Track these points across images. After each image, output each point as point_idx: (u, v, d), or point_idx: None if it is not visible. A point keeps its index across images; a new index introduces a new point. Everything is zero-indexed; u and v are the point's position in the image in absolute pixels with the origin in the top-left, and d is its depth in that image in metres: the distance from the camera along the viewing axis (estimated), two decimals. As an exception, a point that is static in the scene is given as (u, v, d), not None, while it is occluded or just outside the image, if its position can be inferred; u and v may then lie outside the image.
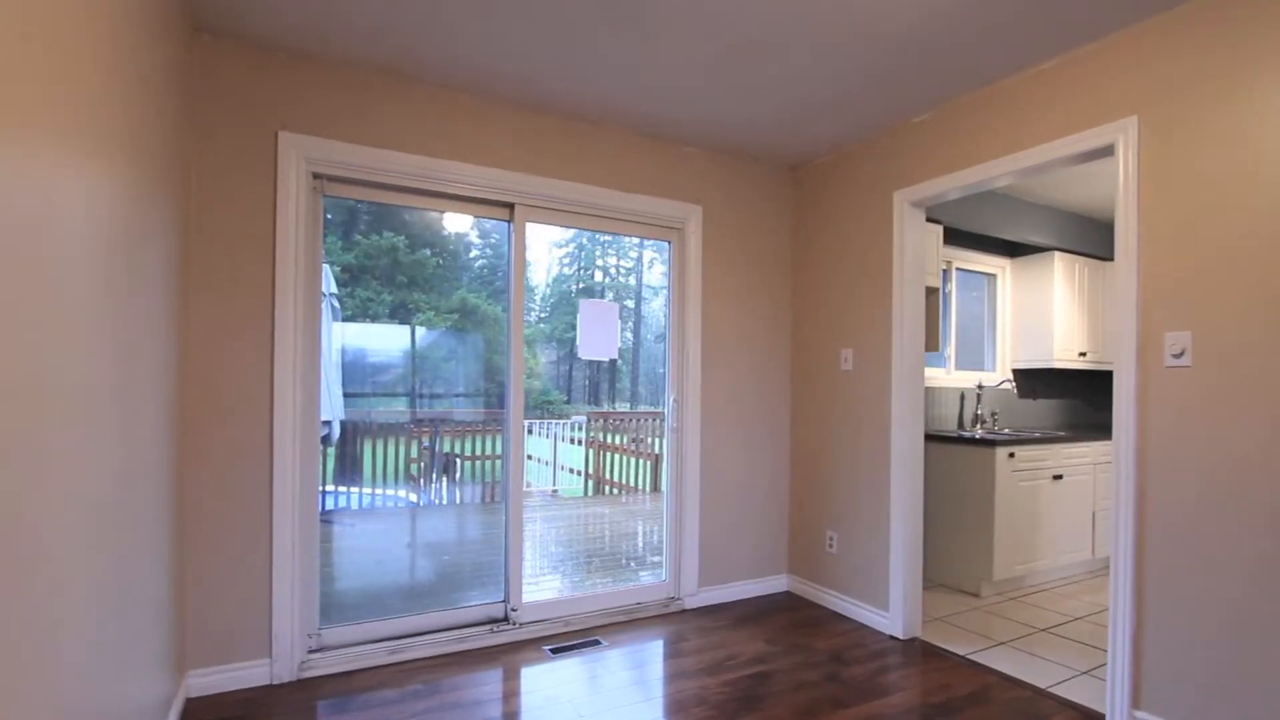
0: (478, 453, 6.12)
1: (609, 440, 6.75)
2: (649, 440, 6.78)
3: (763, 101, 2.99)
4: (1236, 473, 2.11)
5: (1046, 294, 4.75)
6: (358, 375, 6.54)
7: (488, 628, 2.92)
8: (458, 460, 5.95)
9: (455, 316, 8.74)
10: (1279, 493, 2.01)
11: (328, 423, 4.68)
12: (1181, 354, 2.25)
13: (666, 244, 3.51)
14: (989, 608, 3.61)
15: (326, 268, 3.87)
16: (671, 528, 3.46)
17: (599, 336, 3.20)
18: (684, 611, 3.39)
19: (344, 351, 6.02)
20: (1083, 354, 4.90)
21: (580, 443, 6.86)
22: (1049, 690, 2.64)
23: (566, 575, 4.13)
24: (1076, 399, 5.36)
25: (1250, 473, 2.08)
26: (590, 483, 6.71)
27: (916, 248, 3.25)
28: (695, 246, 3.47)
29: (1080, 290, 4.90)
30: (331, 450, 5.46)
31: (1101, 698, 2.57)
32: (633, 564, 4.63)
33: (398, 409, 6.84)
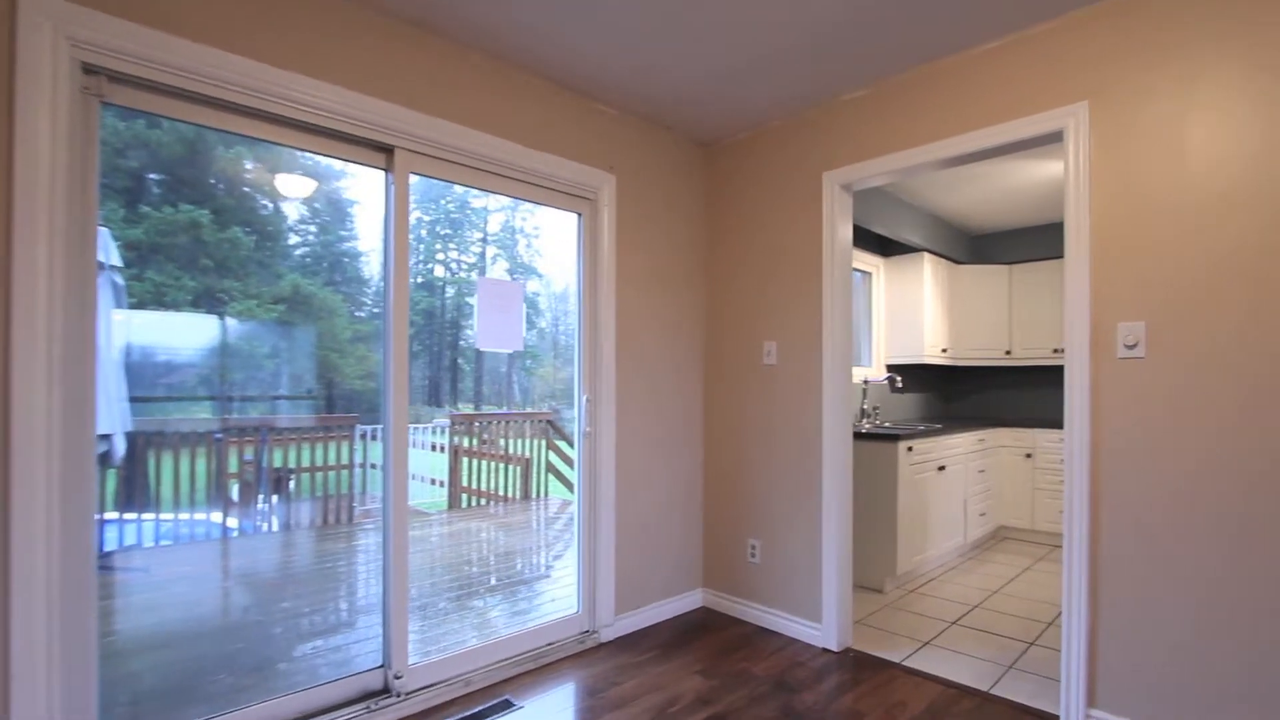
0: (316, 464, 5.05)
1: (470, 445, 5.95)
2: (503, 442, 6.07)
3: (674, 65, 2.54)
4: (1192, 466, 2.02)
5: (917, 293, 4.83)
6: (149, 376, 5.14)
7: (363, 706, 2.14)
8: (290, 476, 4.84)
9: (282, 307, 7.31)
10: (1235, 486, 1.94)
11: (107, 436, 3.49)
12: (1135, 345, 2.14)
13: (576, 215, 2.93)
14: (897, 604, 3.47)
15: (105, 231, 2.79)
16: (584, 551, 2.90)
17: (500, 324, 2.55)
18: (602, 646, 2.84)
19: (129, 348, 4.68)
20: (944, 350, 5.06)
21: (441, 449, 5.97)
22: (993, 694, 2.47)
23: (454, 615, 3.37)
24: (933, 392, 5.58)
25: (1206, 467, 2.00)
26: (461, 495, 5.86)
27: (847, 233, 2.99)
28: (609, 221, 2.94)
29: (944, 291, 5.07)
30: (113, 471, 4.16)
31: (1042, 694, 2.45)
32: (526, 589, 3.96)
33: (204, 416, 5.50)
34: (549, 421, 6.31)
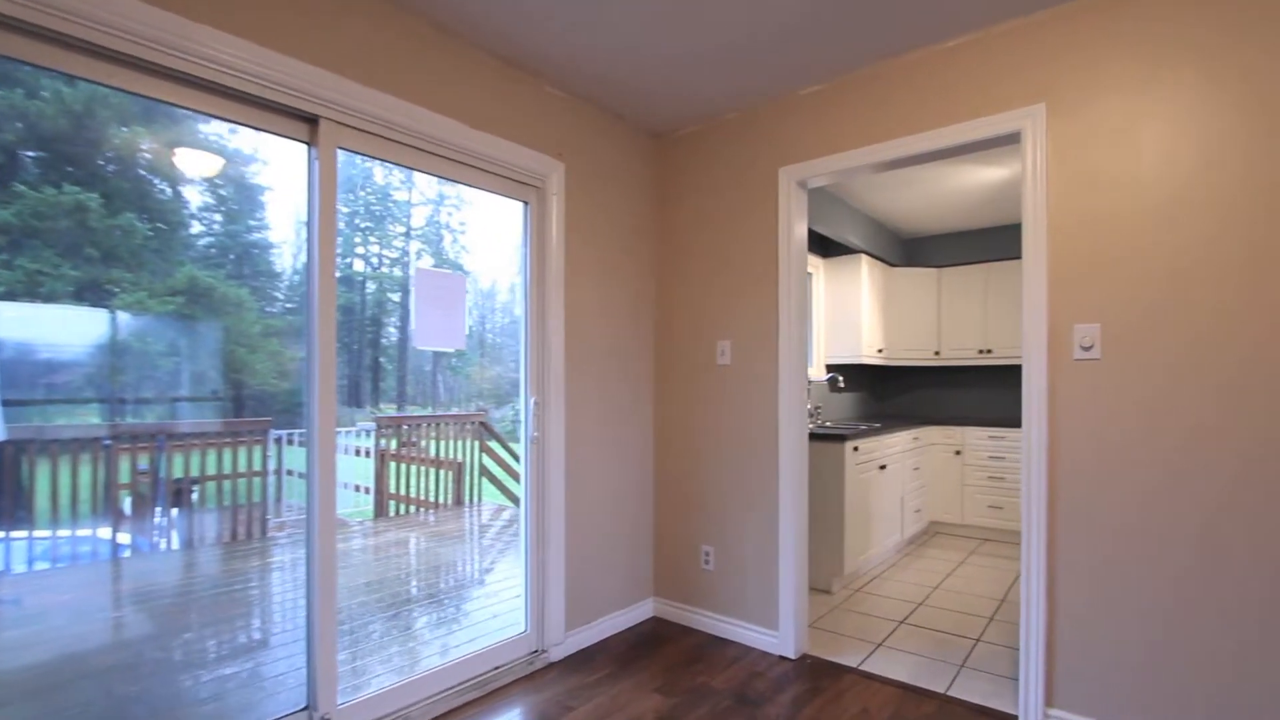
0: (224, 472, 4.56)
1: (398, 449, 5.55)
2: (433, 445, 5.73)
3: (628, 50, 2.38)
4: (1149, 466, 2.04)
5: (855, 294, 4.86)
6: (26, 376, 4.51)
7: (285, 756, 1.86)
8: (193, 486, 4.34)
9: (181, 300, 6.61)
10: (1192, 486, 1.97)
11: (-32, 445, 3.00)
12: (1091, 347, 2.15)
13: (522, 204, 2.70)
14: (846, 605, 3.44)
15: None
16: (532, 565, 2.67)
17: (441, 320, 2.29)
18: (553, 666, 2.62)
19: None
20: (880, 351, 5.13)
21: (366, 453, 5.54)
22: (951, 695, 2.44)
23: (387, 639, 3.06)
24: (866, 391, 5.66)
25: (1162, 467, 2.02)
26: (389, 503, 5.45)
27: (802, 231, 2.90)
28: (558, 211, 2.73)
29: (879, 293, 5.13)
30: (-24, 485, 3.60)
31: (997, 693, 2.44)
32: (467, 605, 3.67)
33: (91, 420, 4.88)
34: (482, 423, 6.00)
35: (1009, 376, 5.30)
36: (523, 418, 2.67)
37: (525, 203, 2.69)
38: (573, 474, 2.78)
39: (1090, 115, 2.15)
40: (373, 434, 5.38)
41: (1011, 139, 2.35)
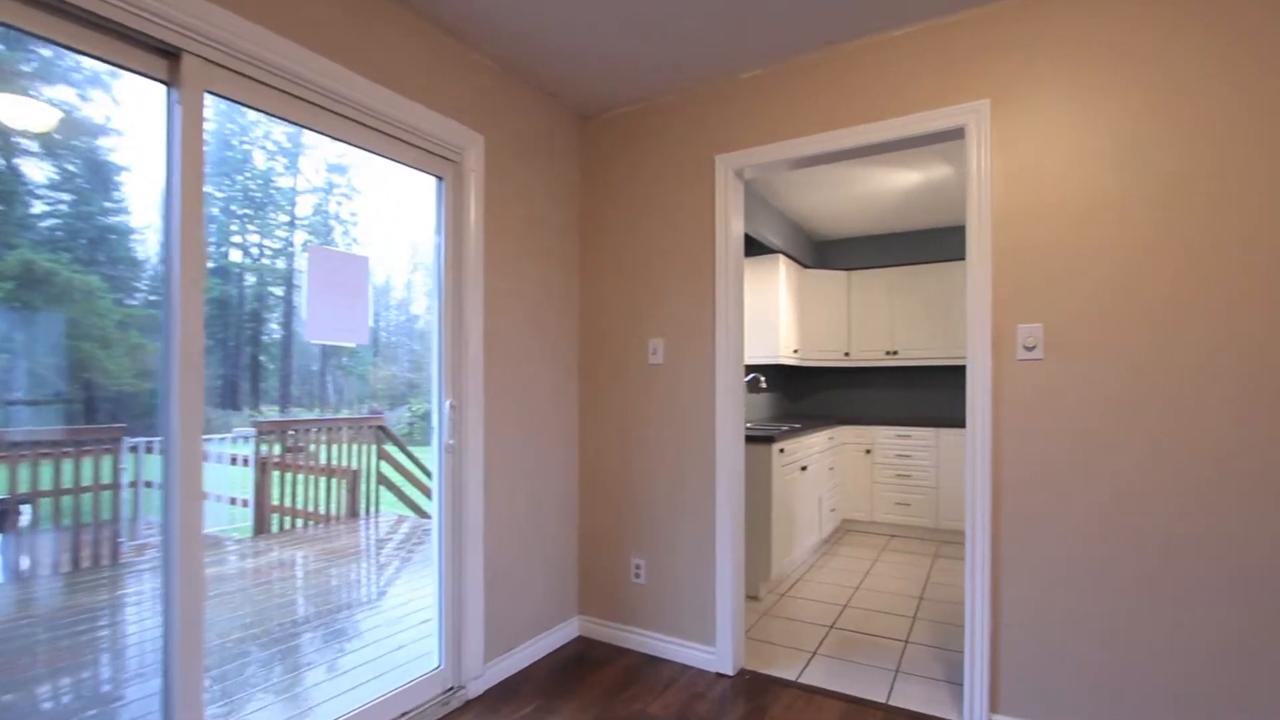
0: (65, 486, 3.81)
1: (282, 456, 4.91)
2: (324, 451, 5.14)
3: (559, 18, 2.11)
4: (1091, 466, 2.02)
5: (774, 294, 4.80)
6: None
7: None
8: (23, 506, 3.57)
9: (11, 286, 5.57)
10: (1133, 486, 1.96)
11: None
12: (1034, 347, 2.11)
13: (435, 179, 2.35)
14: (774, 611, 3.31)
15: None
16: (447, 589, 2.32)
17: (339, 309, 1.90)
18: (472, 704, 2.28)
19: None
20: (795, 351, 5.11)
21: (245, 461, 4.85)
22: (894, 705, 2.34)
23: (270, 684, 2.56)
24: (779, 391, 5.65)
25: (1104, 467, 2.00)
26: (272, 516, 4.78)
27: (739, 222, 2.73)
28: (476, 190, 2.39)
29: (795, 294, 5.12)
30: None
31: (935, 699, 2.36)
32: (364, 635, 3.21)
33: (-117, 429, 3.98)
34: (380, 427, 5.45)
35: (915, 377, 5.46)
36: (435, 423, 2.31)
37: (439, 178, 2.34)
38: (493, 485, 2.45)
39: (1034, 113, 2.11)
40: (252, 440, 4.72)
41: (955, 134, 2.28)
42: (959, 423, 4.83)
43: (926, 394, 5.41)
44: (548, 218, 2.79)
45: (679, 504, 2.72)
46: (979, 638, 2.14)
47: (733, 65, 2.56)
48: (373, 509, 5.40)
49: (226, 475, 5.01)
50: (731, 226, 2.66)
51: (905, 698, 2.39)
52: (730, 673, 2.55)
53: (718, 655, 2.58)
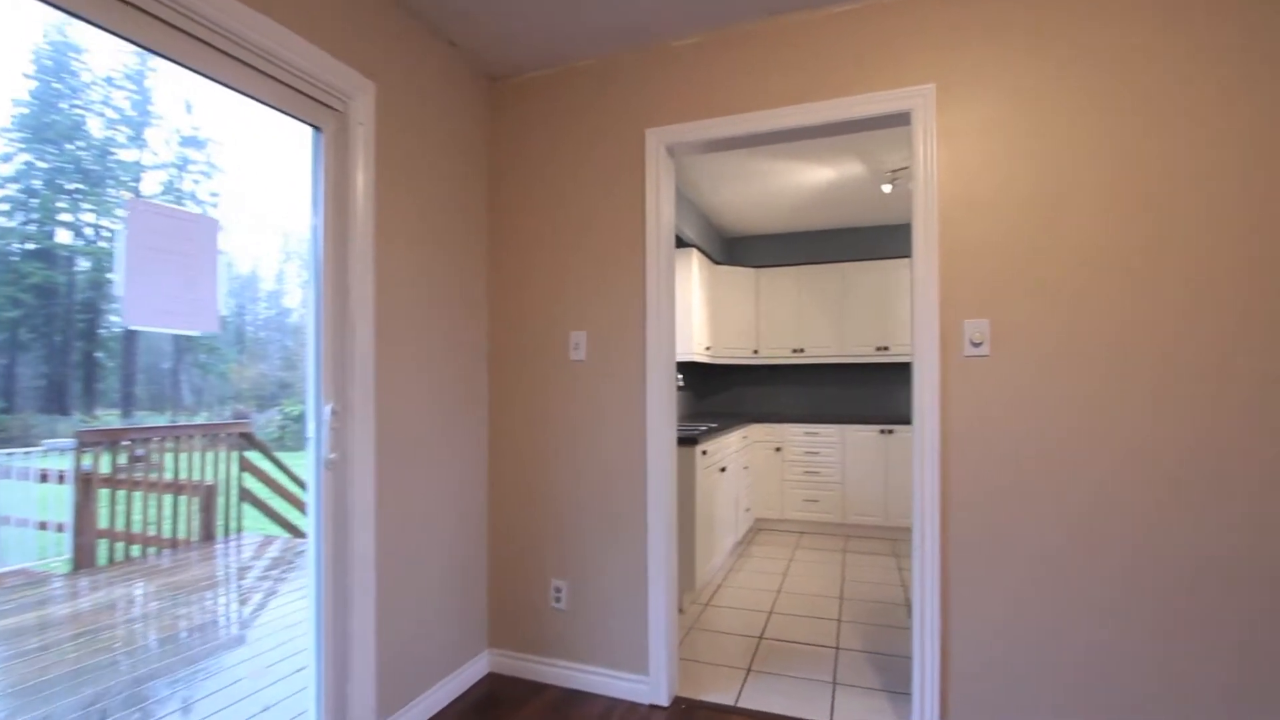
0: None
1: (115, 469, 4.02)
2: (171, 462, 4.33)
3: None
4: (1038, 463, 1.93)
5: (688, 290, 4.59)
6: None
7: None
8: None
9: None
10: (1078, 489, 1.88)
11: None
12: (981, 343, 1.99)
13: (312, 130, 1.87)
14: (701, 624, 3.07)
15: None
16: (327, 637, 1.84)
17: (172, 284, 1.39)
18: (358, 784, 1.83)
19: None
20: (707, 348, 4.94)
21: (62, 478, 3.92)
22: (839, 725, 2.17)
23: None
24: (688, 390, 5.47)
25: (1051, 464, 1.91)
26: (99, 544, 3.88)
27: (671, 204, 2.45)
28: (366, 147, 1.94)
29: (706, 289, 4.94)
30: None
31: (880, 710, 2.20)
32: (217, 695, 2.59)
33: None
34: (244, 434, 4.68)
35: (821, 375, 5.47)
36: (312, 432, 1.84)
37: (316, 128, 1.86)
38: (386, 506, 2.00)
39: (981, 100, 1.99)
40: (71, 452, 3.82)
41: (901, 119, 2.12)
42: (864, 420, 4.86)
43: (832, 391, 5.44)
44: (453, 192, 2.37)
45: (605, 518, 2.39)
46: (928, 645, 1.99)
47: (665, 29, 2.28)
48: (233, 529, 4.61)
49: (36, 495, 4.05)
50: (663, 209, 2.38)
51: (847, 713, 2.22)
52: (665, 703, 2.27)
53: (651, 685, 2.29)
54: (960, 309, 2.00)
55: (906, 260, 4.97)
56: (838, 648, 2.79)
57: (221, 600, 3.64)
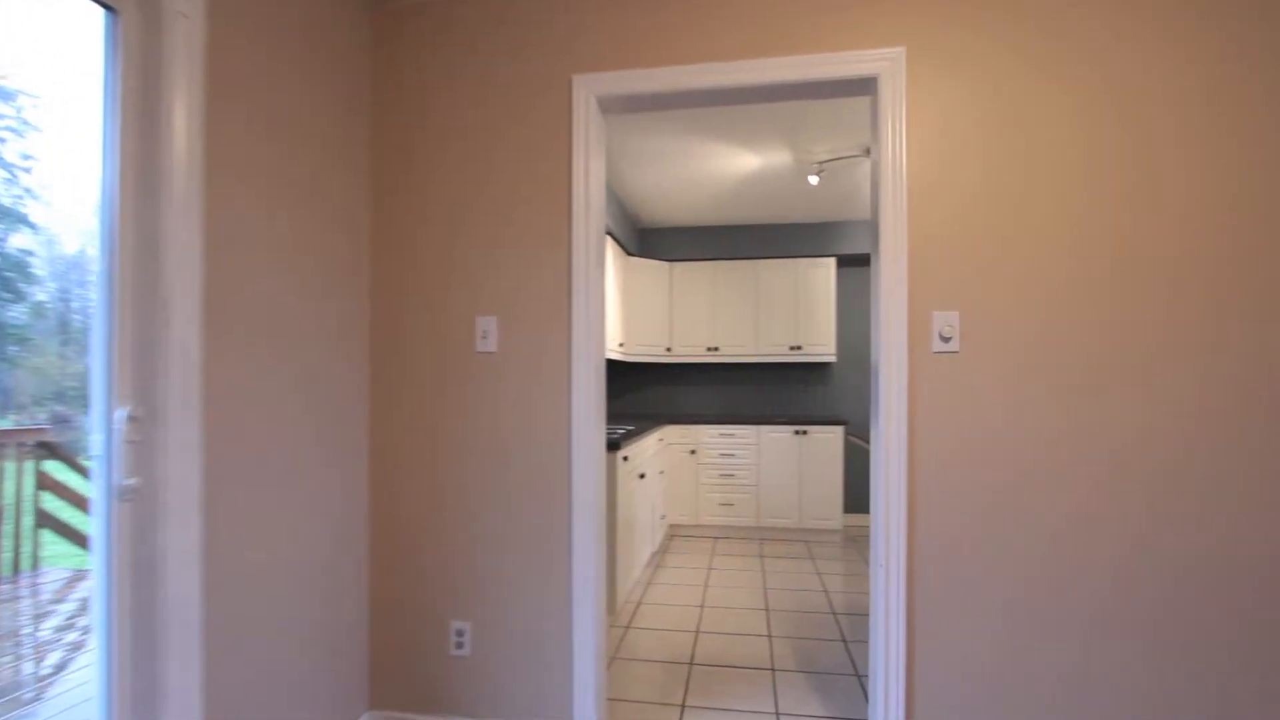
0: None
1: None
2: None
3: None
4: (1010, 469, 1.73)
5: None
6: None
7: None
8: None
9: None
10: (1052, 498, 1.70)
11: None
12: (950, 338, 1.76)
13: (104, 13, 1.29)
14: (625, 651, 2.69)
15: None
16: (115, 738, 1.28)
17: None
18: None
19: None
20: (620, 345, 4.58)
21: None
22: (792, 770, 1.87)
23: None
24: (599, 389, 5.07)
25: (1024, 468, 1.72)
26: None
27: (602, 168, 2.05)
28: (189, 47, 1.38)
29: (620, 283, 4.58)
30: None
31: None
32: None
33: None
34: (44, 444, 3.71)
35: (736, 375, 5.26)
36: (98, 448, 1.26)
37: (111, 9, 1.29)
38: (219, 544, 1.45)
39: (955, 68, 1.77)
40: None
41: (864, 86, 1.86)
42: (778, 420, 4.70)
43: (747, 391, 5.25)
44: (326, 135, 1.83)
45: (521, 542, 1.95)
46: (894, 670, 1.74)
47: (596, -42, 1.88)
48: (30, 564, 3.64)
49: None
50: (593, 172, 1.98)
51: (803, 757, 1.93)
52: (592, 765, 1.87)
53: (575, 743, 1.88)
54: (927, 299, 1.77)
55: (821, 260, 4.88)
56: (773, 669, 2.51)
57: (6, 659, 2.79)
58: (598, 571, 1.94)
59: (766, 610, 3.19)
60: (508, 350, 1.98)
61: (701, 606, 3.24)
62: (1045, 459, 1.69)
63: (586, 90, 1.95)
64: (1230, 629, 1.61)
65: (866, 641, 2.77)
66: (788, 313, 4.89)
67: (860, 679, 2.43)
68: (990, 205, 1.74)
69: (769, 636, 2.85)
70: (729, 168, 3.74)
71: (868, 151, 3.32)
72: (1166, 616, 1.63)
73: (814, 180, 3.54)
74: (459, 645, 1.96)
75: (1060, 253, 1.70)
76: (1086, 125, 1.69)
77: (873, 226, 1.86)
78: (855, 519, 5.02)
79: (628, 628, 2.96)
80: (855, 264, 5.16)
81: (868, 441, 3.20)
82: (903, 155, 1.77)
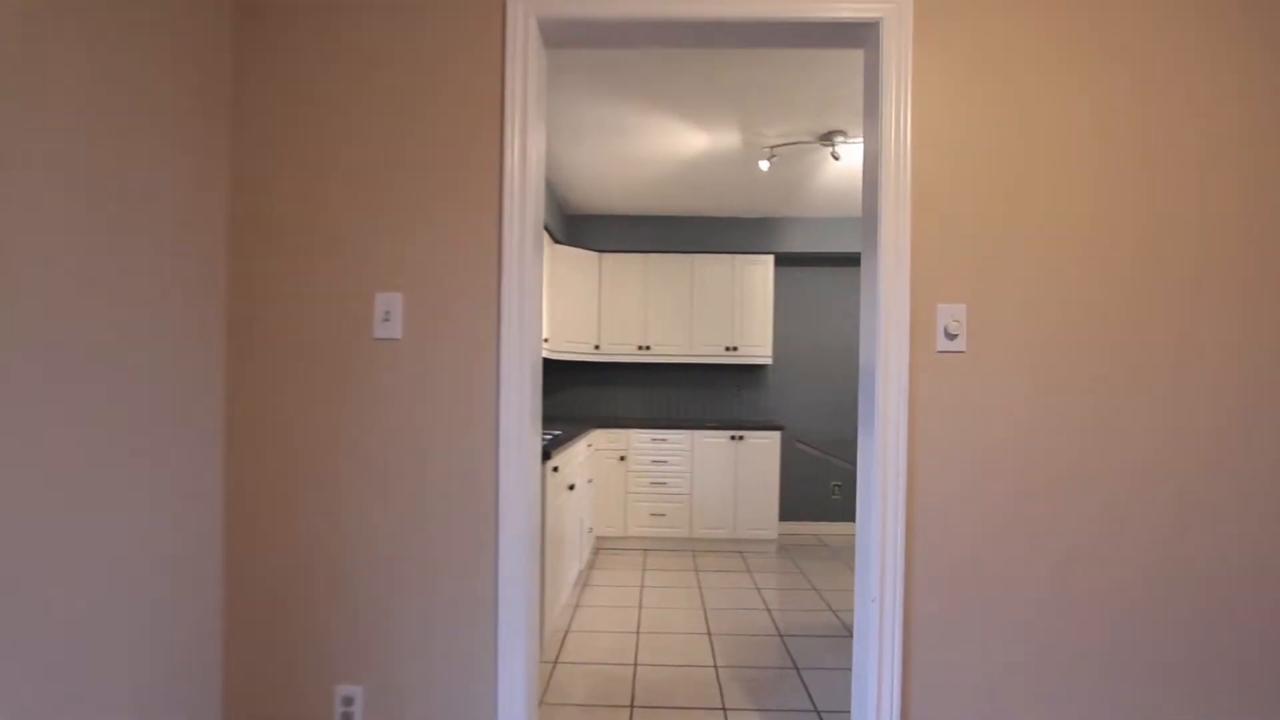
0: None
1: None
2: None
3: None
4: (1026, 493, 1.51)
5: (526, 267, 3.78)
6: None
7: None
8: None
9: None
10: (1068, 523, 1.49)
11: None
12: (956, 336, 1.52)
13: None
14: (555, 695, 2.29)
15: None
16: None
17: None
18: None
19: None
20: (545, 340, 4.16)
21: None
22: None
23: None
24: (520, 389, 4.63)
25: (1042, 494, 1.50)
26: None
27: (542, 111, 1.67)
28: None
29: (548, 272, 4.16)
30: None
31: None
32: None
33: None
34: None
35: (668, 375, 4.97)
36: None
37: None
38: (-38, 615, 0.95)
39: (970, 18, 1.53)
40: None
41: (862, 35, 1.59)
42: (713, 425, 4.45)
43: (680, 393, 4.97)
44: (163, 35, 1.34)
45: (432, 580, 1.53)
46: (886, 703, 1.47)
47: None
48: None
49: None
50: (530, 115, 1.59)
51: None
52: None
53: (499, 839, 1.48)
54: (931, 291, 1.51)
55: (759, 257, 4.68)
56: (724, 708, 2.21)
57: None
58: (529, 611, 1.55)
59: (709, 635, 2.89)
60: (417, 337, 1.55)
61: (637, 633, 2.90)
62: (1063, 469, 1.48)
63: (523, 11, 1.56)
64: (1270, 667, 1.45)
65: (820, 669, 2.53)
66: (724, 311, 4.66)
67: (820, 715, 2.17)
68: (1004, 183, 1.51)
69: (715, 667, 2.55)
70: (674, 147, 3.43)
71: (822, 139, 3.12)
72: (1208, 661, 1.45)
73: (764, 166, 3.30)
74: (347, 718, 1.51)
75: (1076, 243, 1.49)
76: (1108, 95, 1.49)
77: (867, 207, 1.59)
78: (789, 527, 4.86)
79: (555, 663, 2.57)
80: (792, 263, 5.02)
81: (816, 449, 2.98)
82: (907, 119, 1.51)
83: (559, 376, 4.97)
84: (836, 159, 3.13)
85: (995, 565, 1.48)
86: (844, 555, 4.31)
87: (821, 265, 5.02)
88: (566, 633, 2.89)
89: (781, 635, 2.89)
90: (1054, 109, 1.50)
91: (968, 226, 1.51)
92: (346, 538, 1.54)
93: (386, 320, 1.56)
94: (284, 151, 1.56)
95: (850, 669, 2.51)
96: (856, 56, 2.40)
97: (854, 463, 2.49)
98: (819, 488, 4.94)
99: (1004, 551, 1.48)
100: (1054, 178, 1.50)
